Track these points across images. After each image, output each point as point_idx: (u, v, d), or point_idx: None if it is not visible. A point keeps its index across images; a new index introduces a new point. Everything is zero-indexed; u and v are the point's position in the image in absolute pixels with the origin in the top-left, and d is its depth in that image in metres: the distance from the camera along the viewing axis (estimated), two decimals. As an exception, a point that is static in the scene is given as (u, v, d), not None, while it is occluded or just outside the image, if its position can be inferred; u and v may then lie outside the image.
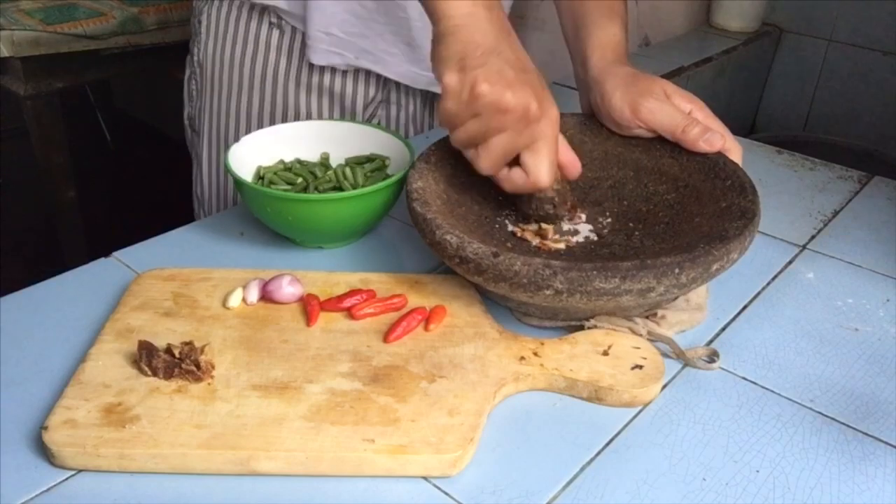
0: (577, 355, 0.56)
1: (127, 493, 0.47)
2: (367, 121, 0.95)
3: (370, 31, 0.90)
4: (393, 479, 0.48)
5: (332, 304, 0.60)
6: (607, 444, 0.51)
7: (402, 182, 0.67)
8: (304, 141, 0.75)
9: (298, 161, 0.74)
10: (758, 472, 0.50)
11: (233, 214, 0.76)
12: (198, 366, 0.52)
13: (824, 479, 0.49)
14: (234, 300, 0.60)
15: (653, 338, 0.59)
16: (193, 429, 0.49)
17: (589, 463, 0.50)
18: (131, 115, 2.93)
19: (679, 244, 0.62)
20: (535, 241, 0.67)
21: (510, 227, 0.69)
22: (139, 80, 2.73)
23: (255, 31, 0.92)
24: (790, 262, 0.72)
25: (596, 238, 0.68)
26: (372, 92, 0.95)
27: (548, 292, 0.54)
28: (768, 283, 0.69)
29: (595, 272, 0.53)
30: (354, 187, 0.70)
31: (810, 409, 0.55)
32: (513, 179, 0.62)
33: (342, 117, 0.95)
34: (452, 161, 0.69)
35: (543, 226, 0.68)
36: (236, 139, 0.73)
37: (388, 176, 0.72)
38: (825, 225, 0.78)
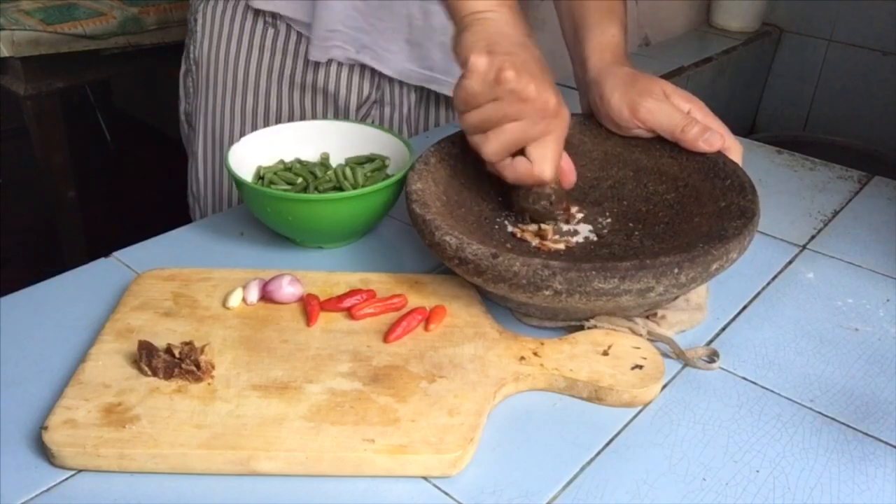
0: (577, 355, 0.56)
1: (127, 493, 0.47)
2: (362, 121, 0.96)
3: (372, 27, 0.91)
4: (393, 479, 0.48)
5: (332, 304, 0.60)
6: (607, 444, 0.51)
7: (402, 182, 0.67)
8: (304, 141, 0.75)
9: (298, 161, 0.74)
10: (758, 472, 0.50)
11: (233, 214, 0.76)
12: (198, 366, 0.52)
13: (824, 479, 0.49)
14: (234, 300, 0.60)
15: (653, 338, 0.59)
16: (193, 429, 0.49)
17: (589, 463, 0.50)
18: (131, 114, 2.92)
19: (679, 244, 0.62)
20: (535, 242, 0.67)
21: (510, 228, 0.69)
22: (139, 80, 2.73)
23: (251, 30, 0.93)
24: (790, 262, 0.72)
25: (595, 238, 0.68)
26: (366, 90, 0.96)
27: (547, 293, 0.54)
28: (768, 283, 0.69)
29: (594, 272, 0.53)
30: (354, 187, 0.70)
31: (810, 409, 0.55)
32: (516, 167, 0.63)
33: (336, 116, 0.95)
34: (452, 162, 0.69)
35: (543, 226, 0.68)
36: (231, 136, 0.73)
37: (388, 176, 0.72)
38: (825, 225, 0.78)
